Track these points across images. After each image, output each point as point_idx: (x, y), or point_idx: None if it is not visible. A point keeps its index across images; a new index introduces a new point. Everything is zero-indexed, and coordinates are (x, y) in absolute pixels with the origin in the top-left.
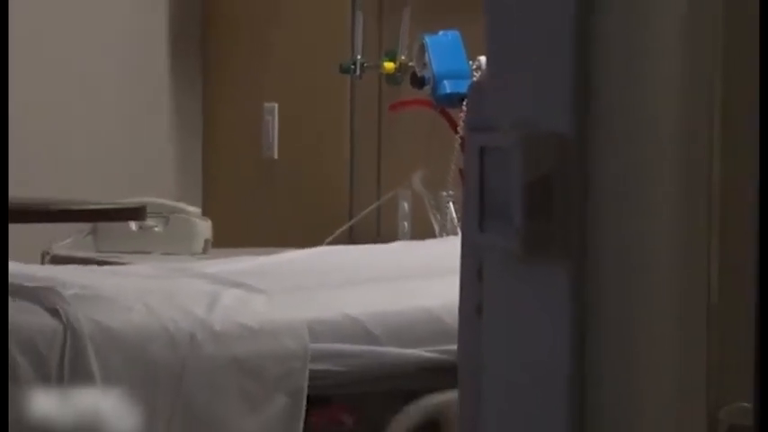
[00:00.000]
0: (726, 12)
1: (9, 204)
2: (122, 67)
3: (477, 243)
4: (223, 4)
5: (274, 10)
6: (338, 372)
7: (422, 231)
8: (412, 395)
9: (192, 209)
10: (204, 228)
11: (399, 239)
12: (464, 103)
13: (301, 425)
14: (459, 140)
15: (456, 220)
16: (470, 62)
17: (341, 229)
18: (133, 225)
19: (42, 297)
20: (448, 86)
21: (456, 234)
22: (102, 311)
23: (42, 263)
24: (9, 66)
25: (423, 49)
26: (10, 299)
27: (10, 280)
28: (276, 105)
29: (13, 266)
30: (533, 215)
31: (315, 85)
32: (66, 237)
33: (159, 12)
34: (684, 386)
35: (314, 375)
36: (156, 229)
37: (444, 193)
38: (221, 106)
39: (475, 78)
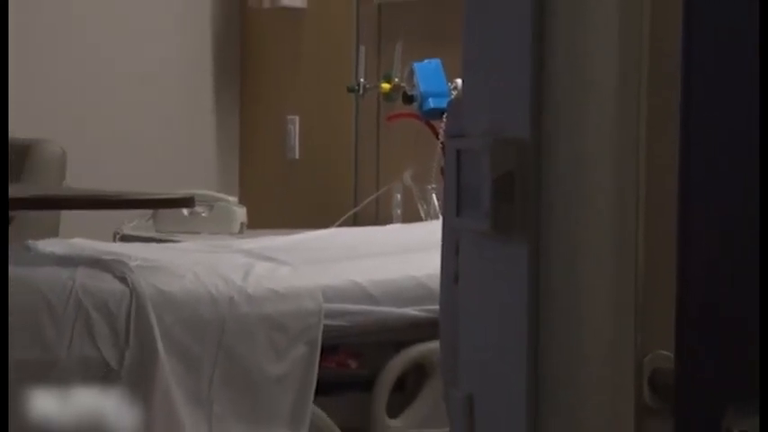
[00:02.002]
0: (651, 42)
1: (89, 195)
2: (178, 90)
3: (454, 225)
4: (256, 40)
5: (296, 43)
6: (345, 326)
7: (411, 216)
8: (402, 344)
9: (230, 198)
10: (240, 213)
11: (393, 223)
12: (444, 115)
13: (316, 368)
14: (441, 145)
15: (438, 208)
16: (449, 83)
17: (347, 215)
18: (185, 211)
19: (113, 267)
20: (432, 103)
21: (438, 218)
22: (160, 278)
23: (113, 240)
24: (92, 86)
25: (412, 73)
26: (89, 268)
27: (90, 254)
28: (297, 117)
29: (91, 243)
30: (499, 202)
31: (327, 101)
32: (132, 220)
33: (206, 45)
34: (616, 338)
35: (326, 329)
36: (203, 214)
37: (429, 187)
38: (254, 118)
39: (453, 96)
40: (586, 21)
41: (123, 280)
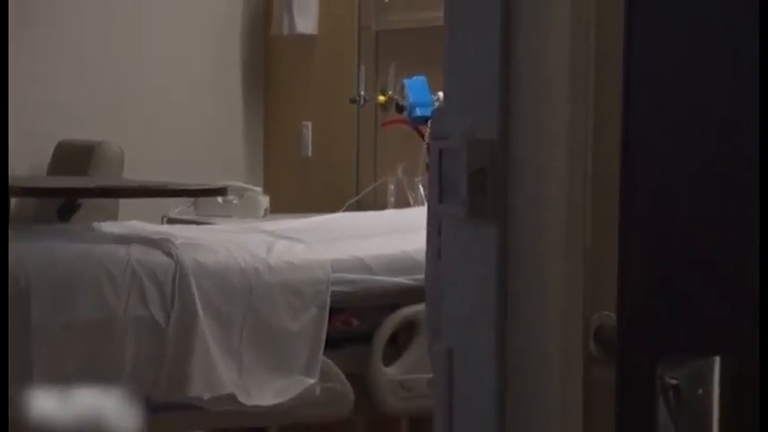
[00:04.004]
0: (596, 60)
1: (142, 186)
2: (214, 101)
3: (437, 211)
4: (277, 60)
5: (309, 63)
6: (349, 292)
7: (402, 203)
8: (396, 307)
9: (256, 189)
10: (264, 201)
11: (388, 208)
12: (428, 121)
13: (325, 326)
14: (426, 145)
15: (424, 196)
16: (433, 96)
17: (351, 201)
18: (219, 199)
19: (161, 244)
20: (419, 111)
21: (424, 205)
22: (199, 253)
23: (161, 223)
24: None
25: (403, 87)
26: (142, 245)
27: (142, 233)
28: (310, 123)
29: (143, 225)
30: (473, 192)
31: (334, 110)
32: (177, 206)
33: (236, 65)
34: (570, 300)
35: (334, 294)
36: (234, 201)
37: (416, 179)
38: (275, 123)
39: (436, 106)
40: (544, 47)
41: (169, 254)
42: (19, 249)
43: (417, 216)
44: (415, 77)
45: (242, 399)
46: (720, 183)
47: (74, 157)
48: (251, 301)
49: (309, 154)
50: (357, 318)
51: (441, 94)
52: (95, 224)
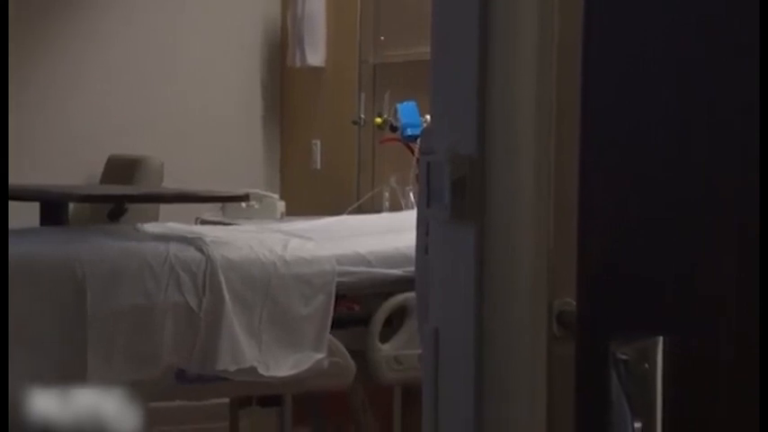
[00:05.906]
0: (558, 91)
1: (179, 193)
2: (239, 122)
3: (425, 214)
4: (291, 88)
5: (318, 90)
6: (351, 282)
7: (396, 208)
8: (390, 294)
9: (274, 195)
10: (281, 205)
11: (383, 212)
12: (418, 139)
13: (331, 310)
14: (416, 159)
15: (413, 202)
16: (422, 118)
17: (353, 206)
18: (243, 204)
19: (195, 242)
20: (409, 131)
21: (414, 209)
22: (227, 250)
23: (195, 223)
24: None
25: (396, 111)
26: (177, 243)
27: (179, 233)
28: (319, 141)
29: (180, 225)
30: (455, 198)
31: (338, 130)
32: (208, 210)
33: (257, 92)
34: (536, 289)
35: (339, 284)
36: (255, 206)
37: (407, 188)
38: (290, 141)
39: (424, 126)
40: (514, 77)
41: (201, 251)
42: (76, 246)
43: (408, 218)
44: (406, 102)
45: (262, 371)
46: (665, 189)
47: (122, 168)
48: (269, 289)
49: (318, 167)
50: (358, 303)
51: (428, 116)
52: (139, 225)
